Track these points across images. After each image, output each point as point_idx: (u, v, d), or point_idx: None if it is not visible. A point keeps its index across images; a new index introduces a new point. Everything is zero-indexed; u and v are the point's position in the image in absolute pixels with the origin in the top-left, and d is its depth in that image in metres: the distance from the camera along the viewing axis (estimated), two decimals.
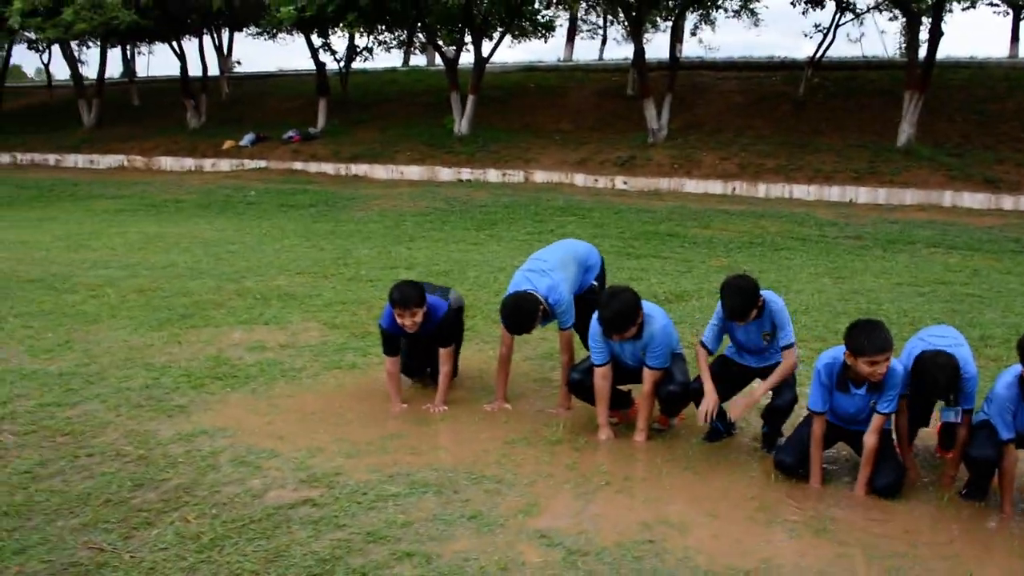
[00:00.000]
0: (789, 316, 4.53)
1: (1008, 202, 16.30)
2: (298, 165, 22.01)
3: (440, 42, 23.47)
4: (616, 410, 4.92)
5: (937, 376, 3.84)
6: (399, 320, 4.82)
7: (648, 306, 4.59)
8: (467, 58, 23.36)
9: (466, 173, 20.24)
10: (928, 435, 4.64)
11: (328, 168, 21.64)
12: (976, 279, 9.44)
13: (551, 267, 5.09)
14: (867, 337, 3.81)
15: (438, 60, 25.91)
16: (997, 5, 25.76)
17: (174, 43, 26.32)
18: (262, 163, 22.39)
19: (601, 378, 4.64)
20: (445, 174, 20.42)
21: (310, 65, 25.10)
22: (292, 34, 28.16)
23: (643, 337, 4.52)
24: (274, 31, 29.57)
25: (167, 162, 24.08)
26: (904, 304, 7.88)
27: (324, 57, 24.66)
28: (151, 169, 23.87)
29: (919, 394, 4.06)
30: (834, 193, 17.26)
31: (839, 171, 17.69)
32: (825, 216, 14.53)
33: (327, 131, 23.72)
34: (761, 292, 4.39)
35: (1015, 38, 27.42)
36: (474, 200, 16.44)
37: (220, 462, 4.18)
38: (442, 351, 5.07)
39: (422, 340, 5.09)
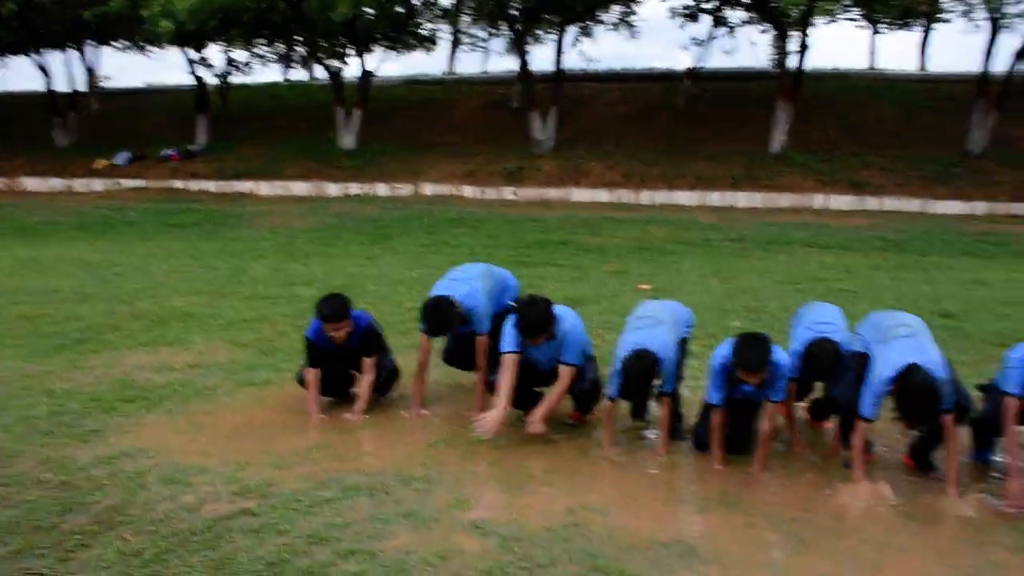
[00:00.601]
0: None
1: (873, 203, 17.63)
2: (178, 184, 21.54)
3: (322, 56, 23.42)
4: (528, 410, 5.21)
5: (824, 362, 4.38)
6: (328, 333, 5.01)
7: (559, 308, 4.92)
8: (350, 71, 23.41)
9: (354, 188, 20.31)
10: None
11: (211, 186, 21.27)
12: (848, 275, 10.26)
13: (470, 277, 5.39)
14: (748, 354, 4.29)
15: (320, 73, 25.82)
16: (857, 20, 27.69)
17: (35, 56, 25.27)
18: (140, 182, 21.80)
19: (509, 365, 4.84)
20: (333, 189, 20.43)
21: (182, 80, 24.61)
22: (163, 48, 27.43)
23: (556, 337, 4.83)
24: (143, 45, 28.73)
25: (32, 183, 23.11)
26: (785, 300, 8.53)
27: (201, 72, 24.24)
28: (13, 190, 22.82)
29: (809, 379, 4.60)
30: (715, 198, 18.21)
31: (719, 177, 18.68)
32: (708, 220, 15.35)
33: (208, 148, 23.29)
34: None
35: (873, 50, 29.57)
36: (365, 214, 16.55)
37: (148, 481, 4.26)
38: (366, 361, 5.29)
39: (346, 353, 5.28)
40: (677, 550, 3.57)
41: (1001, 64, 20.23)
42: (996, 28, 20.02)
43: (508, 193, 19.44)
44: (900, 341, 4.29)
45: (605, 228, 14.60)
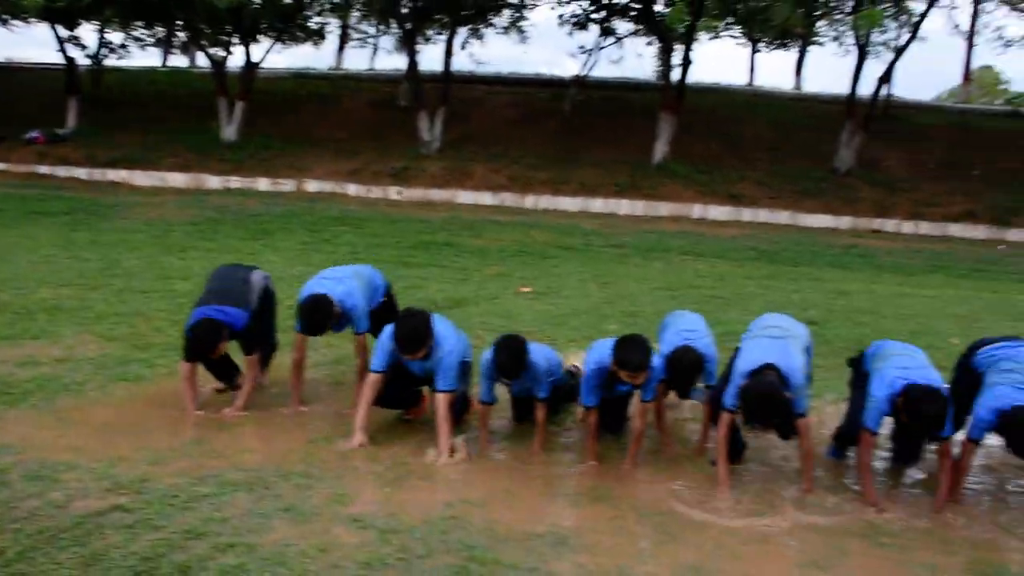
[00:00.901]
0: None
1: (748, 215, 18.51)
2: (44, 169, 20.56)
3: (205, 43, 22.78)
4: (409, 409, 5.33)
5: (687, 368, 4.67)
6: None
7: (442, 330, 4.87)
8: (234, 61, 22.86)
9: (235, 181, 19.86)
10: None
11: (81, 173, 20.39)
12: (721, 283, 10.79)
13: (345, 276, 5.44)
14: (629, 355, 4.47)
15: (202, 61, 25.11)
16: (738, 37, 29.00)
17: None
18: (0, 165, 20.69)
19: (371, 385, 4.88)
20: (213, 182, 19.92)
21: (51, 58, 23.45)
22: (29, 23, 26.04)
23: (431, 359, 4.82)
24: (5, 19, 27.19)
25: None
26: (660, 306, 8.88)
27: (72, 51, 23.20)
28: None
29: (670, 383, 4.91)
30: (598, 205, 18.72)
31: (602, 184, 19.20)
32: (590, 226, 15.77)
33: (78, 133, 22.30)
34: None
35: (752, 67, 30.97)
36: (246, 209, 16.24)
37: (11, 479, 4.13)
38: (247, 359, 5.26)
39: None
40: (550, 540, 3.75)
41: (868, 88, 21.59)
42: (863, 54, 21.34)
43: (393, 193, 19.42)
44: (763, 340, 4.61)
45: (489, 231, 14.80)
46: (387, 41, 34.30)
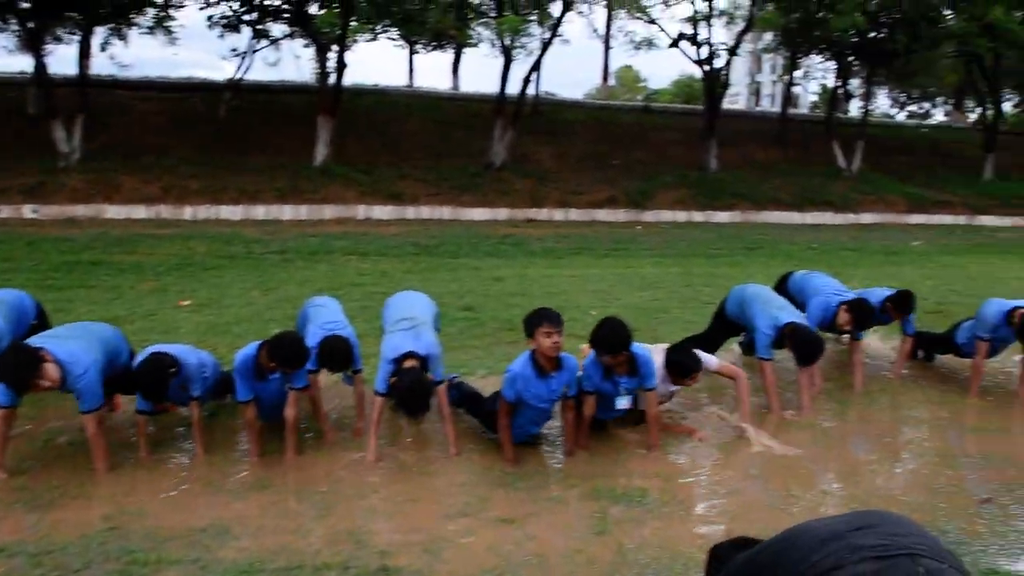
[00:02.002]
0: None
1: (410, 212, 19.44)
2: None
3: None
4: None
5: (342, 353, 5.13)
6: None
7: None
8: None
9: None
10: None
11: None
12: (384, 279, 11.36)
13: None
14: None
15: None
16: (396, 39, 29.98)
17: None
18: None
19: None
20: None
21: None
22: None
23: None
24: None
25: None
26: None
27: None
28: None
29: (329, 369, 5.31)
30: (260, 212, 18.63)
31: (264, 190, 19.12)
32: (252, 234, 15.71)
33: None
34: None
35: (411, 68, 32.19)
36: None
37: None
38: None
39: None
40: (212, 532, 4.01)
41: (517, 87, 23.45)
42: (509, 56, 23.16)
43: (27, 211, 17.86)
44: (398, 335, 5.16)
45: (143, 245, 14.23)
46: (6, 40, 31.07)
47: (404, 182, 20.59)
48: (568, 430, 5.19)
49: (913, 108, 51.96)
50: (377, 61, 66.56)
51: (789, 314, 5.98)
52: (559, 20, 23.36)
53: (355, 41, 28.96)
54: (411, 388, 4.72)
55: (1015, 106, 39.99)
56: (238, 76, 24.30)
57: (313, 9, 21.77)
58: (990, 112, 29.88)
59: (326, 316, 5.65)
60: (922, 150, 30.99)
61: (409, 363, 4.88)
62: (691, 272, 13.02)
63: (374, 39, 30.44)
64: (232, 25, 23.50)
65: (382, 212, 19.22)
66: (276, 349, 4.84)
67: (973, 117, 43.15)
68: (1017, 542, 4.13)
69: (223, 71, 60.46)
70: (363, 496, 4.54)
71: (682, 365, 5.28)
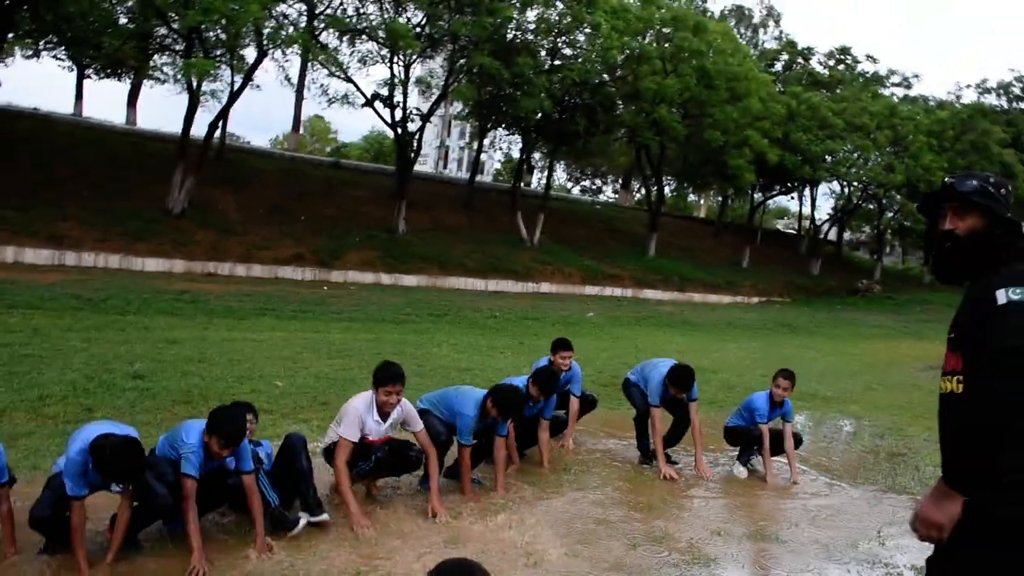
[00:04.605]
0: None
1: (71, 258, 17.63)
2: None
3: None
4: None
5: None
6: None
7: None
8: None
9: None
10: None
11: None
12: (37, 338, 10.10)
13: None
14: None
15: None
16: (63, 59, 27.47)
17: None
18: None
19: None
20: None
21: None
22: None
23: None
24: None
25: None
26: None
27: None
28: None
29: None
30: None
31: None
32: None
33: None
34: None
35: (80, 95, 29.48)
36: None
37: None
38: None
39: None
40: None
41: (202, 129, 22.35)
42: (195, 98, 22.00)
43: None
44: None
45: None
46: None
47: (66, 223, 18.61)
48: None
49: (586, 184, 56.78)
50: (37, 82, 60.20)
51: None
52: (253, 67, 22.71)
53: (11, 56, 26.22)
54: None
55: (672, 190, 44.87)
56: None
57: None
58: (654, 193, 33.31)
59: None
60: (596, 225, 33.79)
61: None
62: (381, 339, 12.99)
63: (35, 56, 27.60)
64: None
65: (38, 257, 17.21)
66: None
67: (637, 196, 47.98)
68: None
69: None
70: None
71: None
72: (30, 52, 27.68)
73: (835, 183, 38.30)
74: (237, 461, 4.60)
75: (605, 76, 27.40)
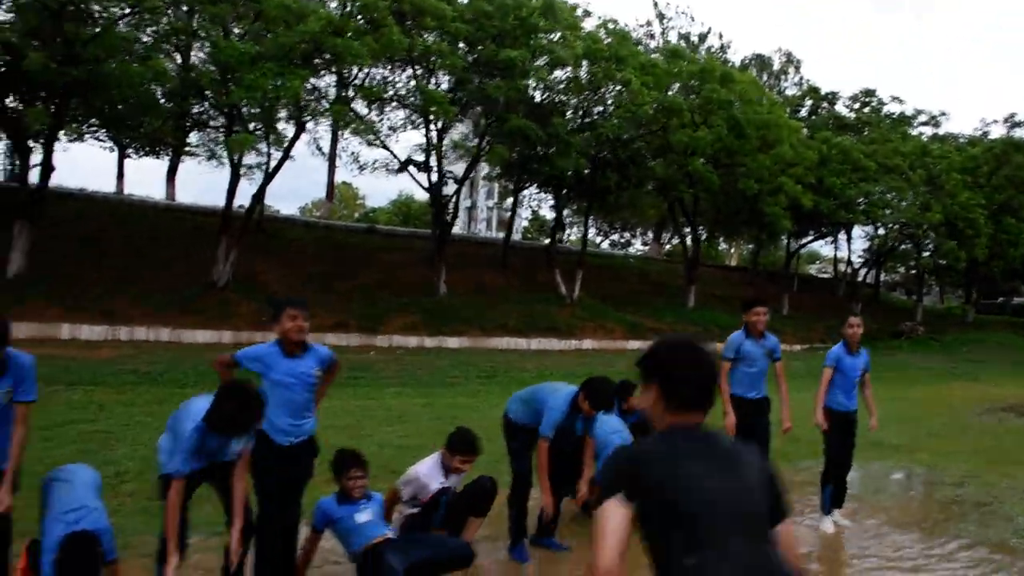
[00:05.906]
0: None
1: (124, 333, 17.83)
2: None
3: None
4: None
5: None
6: None
7: None
8: None
9: None
10: None
11: None
12: (103, 414, 10.17)
13: None
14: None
15: None
16: (104, 141, 28.08)
17: None
18: None
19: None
20: None
21: None
22: None
23: None
24: None
25: None
26: (29, 455, 8.01)
27: None
28: None
29: None
30: None
31: None
32: None
33: None
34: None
35: (121, 174, 30.09)
36: None
37: None
38: None
39: None
40: None
41: (242, 201, 22.69)
42: (237, 172, 22.41)
43: None
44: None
45: None
46: None
47: (117, 299, 18.89)
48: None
49: (615, 237, 56.78)
50: (79, 162, 61.74)
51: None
52: (293, 140, 23.07)
53: (58, 140, 26.81)
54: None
55: (704, 240, 44.83)
56: None
57: (12, 102, 19.90)
58: (690, 245, 33.21)
59: (68, 503, 4.31)
60: (631, 278, 33.69)
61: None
62: (435, 403, 12.94)
63: (79, 139, 28.21)
64: None
65: (91, 332, 17.44)
66: None
67: (668, 247, 47.91)
68: None
69: None
70: None
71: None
72: (74, 136, 28.32)
73: (869, 226, 37.98)
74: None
75: (637, 131, 27.55)
